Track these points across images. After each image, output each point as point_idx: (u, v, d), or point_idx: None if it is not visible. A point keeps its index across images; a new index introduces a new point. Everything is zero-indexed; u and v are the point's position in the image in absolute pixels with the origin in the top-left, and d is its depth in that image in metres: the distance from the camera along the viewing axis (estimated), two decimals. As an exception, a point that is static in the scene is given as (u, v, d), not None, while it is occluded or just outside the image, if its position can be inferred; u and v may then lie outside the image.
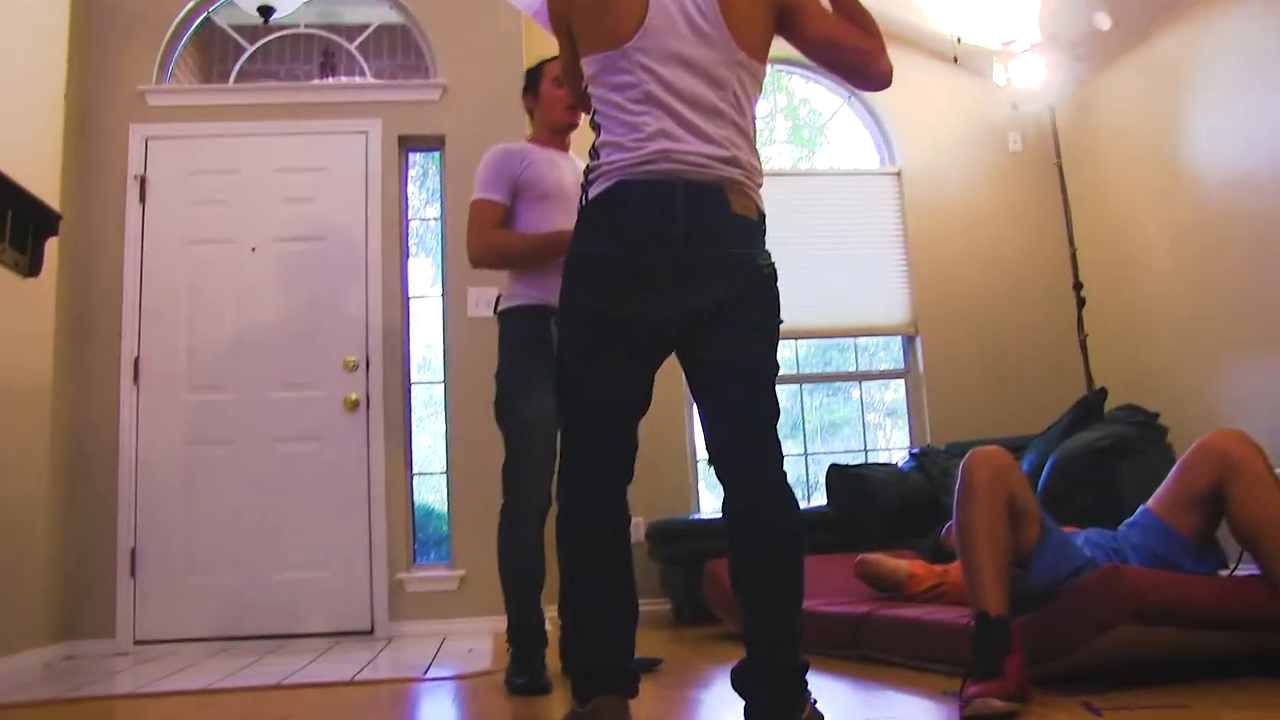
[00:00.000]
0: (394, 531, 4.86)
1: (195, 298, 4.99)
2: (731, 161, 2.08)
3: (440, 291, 5.19)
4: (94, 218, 4.97)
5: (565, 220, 3.16)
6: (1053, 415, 4.62)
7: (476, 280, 4.96)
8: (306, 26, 5.58)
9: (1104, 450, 4.01)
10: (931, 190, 6.13)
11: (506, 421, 3.24)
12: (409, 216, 5.31)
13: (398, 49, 5.76)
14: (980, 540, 2.46)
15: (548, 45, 3.57)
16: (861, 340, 6.28)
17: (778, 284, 2.12)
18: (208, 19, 5.40)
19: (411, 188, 5.40)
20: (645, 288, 2.04)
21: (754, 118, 2.18)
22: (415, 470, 5.10)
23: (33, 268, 4.41)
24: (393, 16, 5.50)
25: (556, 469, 2.16)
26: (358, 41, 5.51)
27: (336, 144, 5.18)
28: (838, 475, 4.92)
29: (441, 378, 5.23)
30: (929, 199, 6.12)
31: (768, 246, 2.14)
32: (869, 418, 6.49)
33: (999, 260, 6.08)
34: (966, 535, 2.49)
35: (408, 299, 5.16)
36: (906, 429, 6.12)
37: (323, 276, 5.03)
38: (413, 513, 5.05)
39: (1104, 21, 5.31)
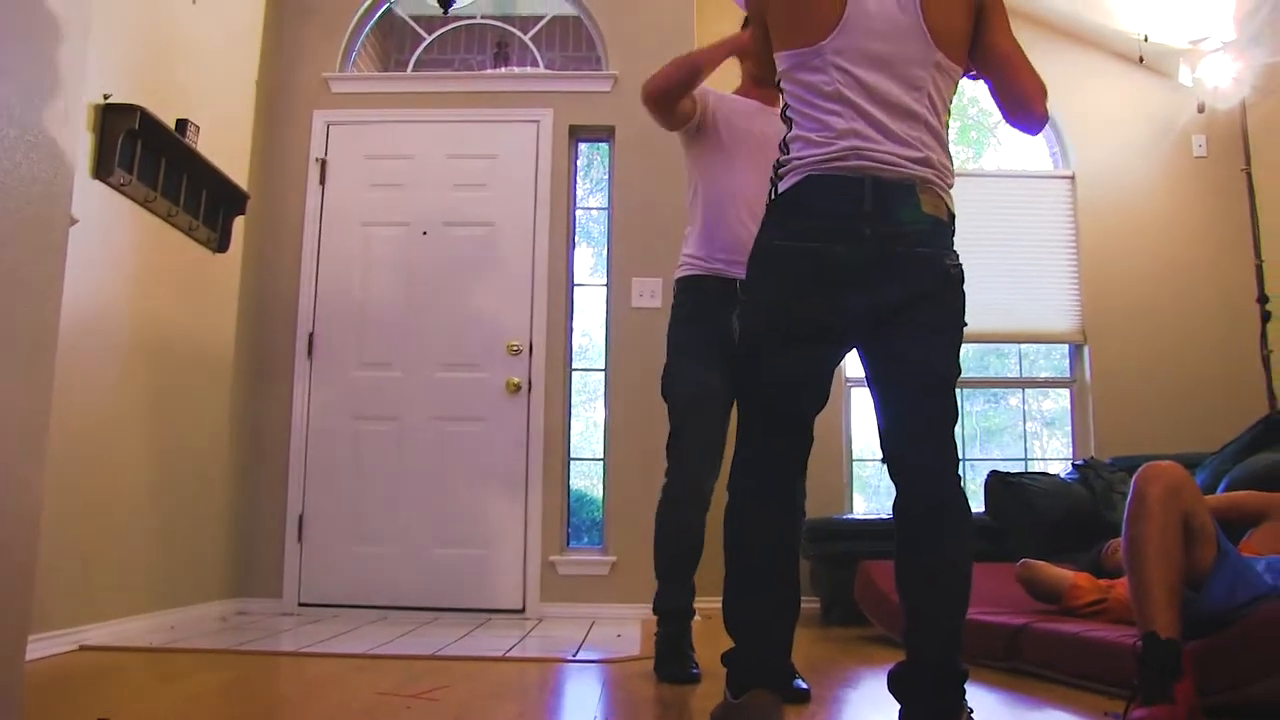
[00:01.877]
0: (549, 514, 4.95)
1: (368, 277, 5.16)
2: (924, 162, 2.05)
3: (603, 281, 5.27)
4: (277, 198, 5.21)
5: (744, 172, 3.03)
6: (1228, 433, 4.41)
7: (642, 270, 5.03)
8: (483, 18, 5.73)
9: (1287, 473, 3.80)
10: (1107, 195, 5.89)
11: (666, 396, 3.17)
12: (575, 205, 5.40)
13: (570, 40, 5.85)
14: (1151, 558, 2.36)
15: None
16: (1022, 346, 6.11)
17: (963, 286, 2.09)
18: (388, 9, 5.59)
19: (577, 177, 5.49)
20: (830, 283, 2.02)
21: (948, 120, 2.14)
22: (570, 455, 5.18)
23: (222, 244, 4.67)
24: (566, 8, 5.59)
25: (737, 452, 2.14)
26: (531, 32, 5.62)
27: (508, 132, 5.29)
28: (998, 483, 4.80)
29: (598, 365, 5.30)
30: (1104, 204, 5.88)
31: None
32: (1027, 426, 6.31)
33: (1177, 270, 5.80)
34: (1137, 552, 2.38)
35: (572, 287, 5.25)
36: (1067, 439, 5.92)
37: (490, 261, 5.14)
38: (568, 497, 5.13)
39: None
